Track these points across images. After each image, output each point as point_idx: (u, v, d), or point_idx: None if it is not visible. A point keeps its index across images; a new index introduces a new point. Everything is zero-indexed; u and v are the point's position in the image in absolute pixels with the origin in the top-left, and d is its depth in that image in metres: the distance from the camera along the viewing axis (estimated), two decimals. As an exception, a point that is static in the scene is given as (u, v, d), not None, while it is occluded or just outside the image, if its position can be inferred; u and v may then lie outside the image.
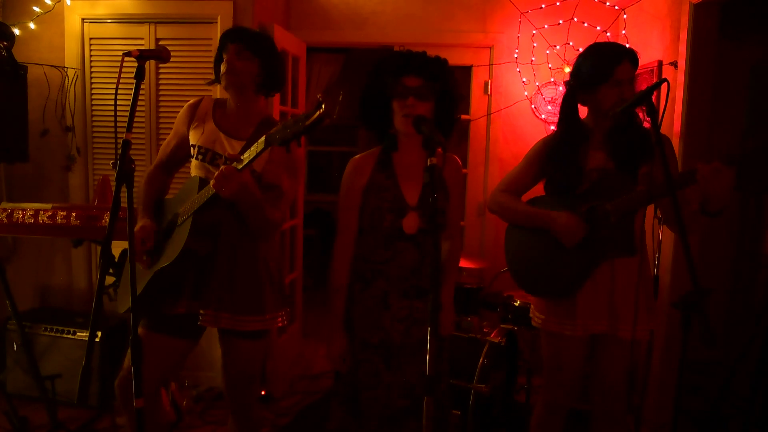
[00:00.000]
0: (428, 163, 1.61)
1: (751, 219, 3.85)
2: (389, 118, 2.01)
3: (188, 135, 2.15)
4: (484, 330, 3.05)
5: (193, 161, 2.12)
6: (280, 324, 2.18)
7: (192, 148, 2.12)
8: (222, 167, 1.78)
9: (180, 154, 2.22)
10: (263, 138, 1.70)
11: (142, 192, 2.15)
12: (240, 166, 1.77)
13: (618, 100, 2.01)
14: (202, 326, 2.08)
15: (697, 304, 1.56)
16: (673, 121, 3.03)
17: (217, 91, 3.03)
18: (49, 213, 2.94)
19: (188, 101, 2.22)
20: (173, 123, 2.23)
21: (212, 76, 2.20)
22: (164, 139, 2.35)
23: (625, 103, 1.88)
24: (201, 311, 2.04)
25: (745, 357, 2.42)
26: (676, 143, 2.96)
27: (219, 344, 2.17)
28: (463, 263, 3.32)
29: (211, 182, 1.79)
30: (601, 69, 2.04)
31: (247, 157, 1.76)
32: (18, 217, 2.96)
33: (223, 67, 2.06)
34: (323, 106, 1.52)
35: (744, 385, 2.57)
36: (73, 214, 2.94)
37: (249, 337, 2.10)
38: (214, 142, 2.08)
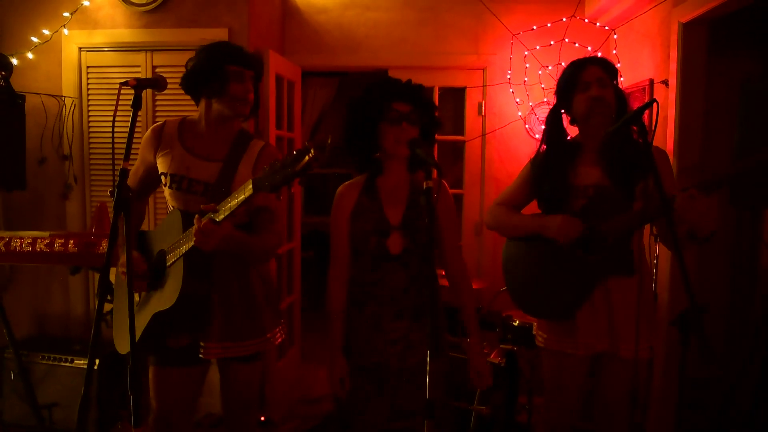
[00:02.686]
0: (425, 186, 1.63)
1: (747, 234, 3.86)
2: (375, 143, 2.03)
3: (155, 163, 2.07)
4: (485, 351, 3.03)
5: (167, 189, 2.04)
6: (279, 340, 2.18)
7: (163, 177, 2.05)
8: (201, 223, 1.71)
9: (148, 181, 2.15)
10: (250, 184, 1.63)
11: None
12: (219, 219, 1.70)
13: (591, 102, 2.05)
14: None
15: (695, 322, 1.56)
16: (666, 139, 3.06)
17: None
18: (47, 241, 2.95)
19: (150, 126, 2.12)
20: None
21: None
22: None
23: (614, 117, 1.90)
24: (202, 344, 2.03)
25: (745, 372, 2.42)
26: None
27: (218, 370, 2.16)
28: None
29: (192, 238, 1.74)
30: (570, 77, 2.13)
31: (228, 206, 1.69)
32: (15, 246, 2.96)
33: (235, 94, 1.98)
34: (312, 150, 1.48)
35: (745, 400, 2.56)
36: (71, 241, 2.94)
37: (247, 361, 2.09)
38: (187, 168, 2.01)
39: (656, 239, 2.83)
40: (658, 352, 3.05)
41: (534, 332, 2.31)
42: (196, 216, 1.72)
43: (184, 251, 1.82)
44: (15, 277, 3.72)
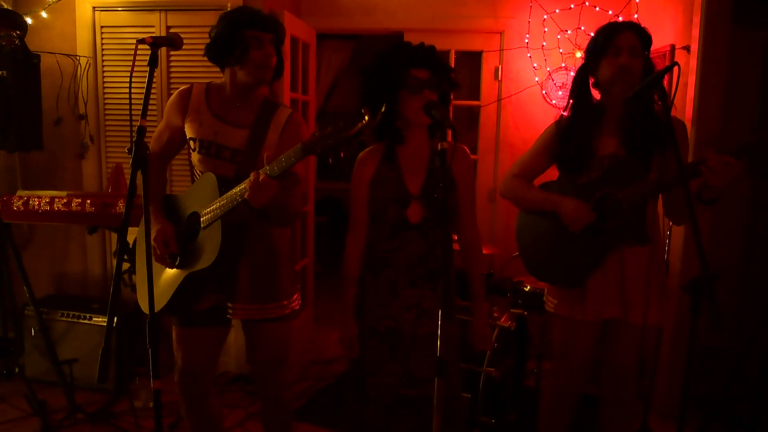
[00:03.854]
0: (439, 148, 1.63)
1: (764, 206, 3.82)
2: (394, 111, 2.01)
3: (183, 126, 2.08)
4: (495, 315, 3.07)
5: (194, 154, 2.06)
6: (298, 304, 2.21)
7: (192, 141, 2.06)
8: (257, 176, 1.71)
9: (173, 145, 2.16)
10: (299, 146, 1.63)
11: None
12: (274, 175, 1.71)
13: (617, 69, 2.01)
14: None
15: (706, 288, 1.57)
16: (685, 107, 3.01)
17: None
18: (65, 200, 2.99)
19: (178, 89, 2.13)
20: None
21: None
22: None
23: (636, 87, 1.87)
24: (229, 305, 2.07)
25: (754, 343, 2.43)
26: (687, 129, 2.94)
27: (243, 332, 2.19)
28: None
29: (245, 192, 1.74)
30: (603, 40, 2.06)
31: (280, 165, 1.70)
32: (34, 205, 3.01)
33: (257, 59, 1.97)
34: (367, 117, 1.50)
35: (753, 369, 2.58)
36: (88, 201, 2.98)
37: (276, 321, 2.13)
38: (215, 133, 2.02)
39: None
40: (667, 320, 3.06)
41: (544, 299, 2.33)
42: (252, 172, 1.72)
43: (224, 211, 1.84)
44: (33, 237, 3.79)
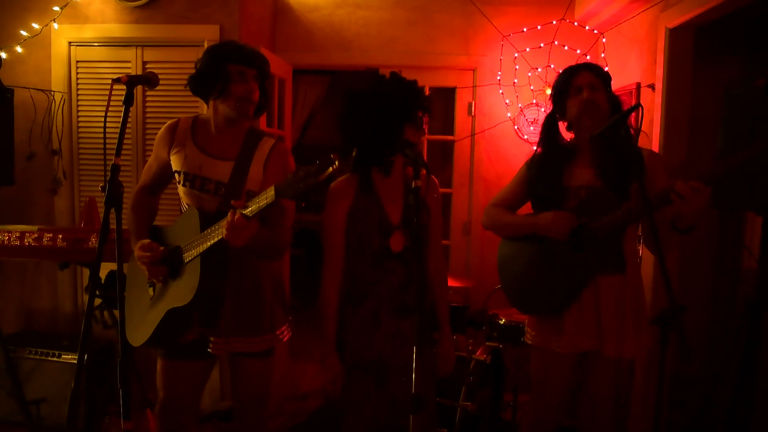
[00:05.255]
0: (413, 185, 1.66)
1: (730, 236, 3.93)
2: (393, 144, 1.98)
3: (169, 160, 2.10)
4: (470, 348, 3.07)
5: (180, 187, 2.08)
6: (286, 338, 2.20)
7: (177, 175, 2.07)
8: (234, 217, 1.71)
9: (163, 177, 2.18)
10: (272, 190, 1.64)
11: (130, 217, 2.11)
12: (250, 215, 1.71)
13: (582, 105, 2.12)
14: None
15: (674, 320, 1.60)
16: (651, 143, 3.11)
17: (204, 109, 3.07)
18: (35, 235, 2.94)
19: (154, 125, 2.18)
20: None
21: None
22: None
23: (604, 121, 1.94)
24: (211, 338, 2.05)
25: (725, 371, 2.47)
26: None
27: (225, 367, 2.17)
28: (450, 282, 3.34)
29: (223, 231, 1.74)
30: (563, 82, 2.20)
31: (255, 206, 1.69)
32: (3, 240, 2.95)
33: (238, 93, 1.98)
34: (336, 162, 1.50)
35: (725, 398, 2.62)
36: (60, 236, 2.93)
37: (259, 356, 2.11)
38: (200, 166, 2.03)
39: (640, 240, 2.88)
40: (643, 352, 3.09)
41: (525, 329, 2.35)
42: (230, 211, 1.72)
43: (202, 249, 1.83)
44: (2, 272, 3.71)
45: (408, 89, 2.04)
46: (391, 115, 1.97)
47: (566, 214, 2.11)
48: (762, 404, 2.54)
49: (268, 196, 1.65)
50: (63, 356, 3.26)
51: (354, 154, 1.51)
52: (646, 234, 2.20)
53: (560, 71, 2.26)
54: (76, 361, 1.88)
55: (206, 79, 2.00)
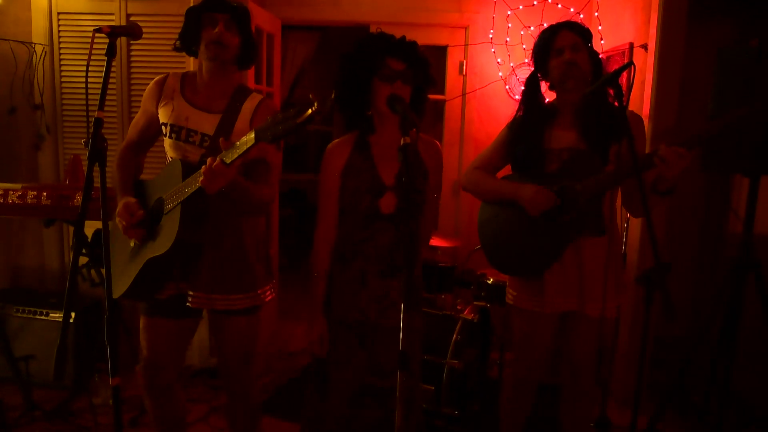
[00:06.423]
0: (402, 143, 1.64)
1: (717, 199, 3.96)
2: (367, 99, 2.01)
3: (157, 113, 2.10)
4: (458, 307, 3.11)
5: (166, 140, 2.07)
6: (269, 298, 2.19)
7: (163, 127, 2.08)
8: (211, 163, 1.71)
9: (150, 132, 2.17)
10: (252, 134, 1.64)
11: (115, 175, 2.10)
12: (228, 161, 1.70)
13: (564, 66, 2.09)
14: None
15: (659, 279, 1.62)
16: (642, 103, 3.09)
17: (191, 64, 3.00)
18: (19, 193, 2.90)
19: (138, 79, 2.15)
20: None
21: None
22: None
23: (593, 85, 1.92)
24: (190, 293, 2.05)
25: (707, 332, 2.52)
26: (645, 125, 3.01)
27: (208, 325, 2.18)
28: (438, 242, 3.36)
29: (200, 178, 1.74)
30: (544, 43, 2.16)
31: (235, 152, 1.69)
32: (-13, 197, 2.91)
33: (208, 38, 1.98)
34: (315, 104, 1.49)
35: (706, 358, 2.68)
36: (44, 193, 2.89)
37: (243, 314, 2.11)
38: (186, 118, 2.04)
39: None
40: (624, 310, 3.15)
41: (506, 290, 2.37)
42: (209, 158, 1.72)
43: (183, 198, 1.84)
44: (-13, 230, 3.68)
45: (377, 40, 2.00)
46: (353, 70, 1.98)
47: (547, 192, 2.10)
48: (743, 363, 2.60)
49: (248, 140, 1.65)
50: (51, 314, 3.27)
51: (332, 96, 1.47)
52: (626, 196, 2.20)
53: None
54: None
55: (187, 33, 2.04)
